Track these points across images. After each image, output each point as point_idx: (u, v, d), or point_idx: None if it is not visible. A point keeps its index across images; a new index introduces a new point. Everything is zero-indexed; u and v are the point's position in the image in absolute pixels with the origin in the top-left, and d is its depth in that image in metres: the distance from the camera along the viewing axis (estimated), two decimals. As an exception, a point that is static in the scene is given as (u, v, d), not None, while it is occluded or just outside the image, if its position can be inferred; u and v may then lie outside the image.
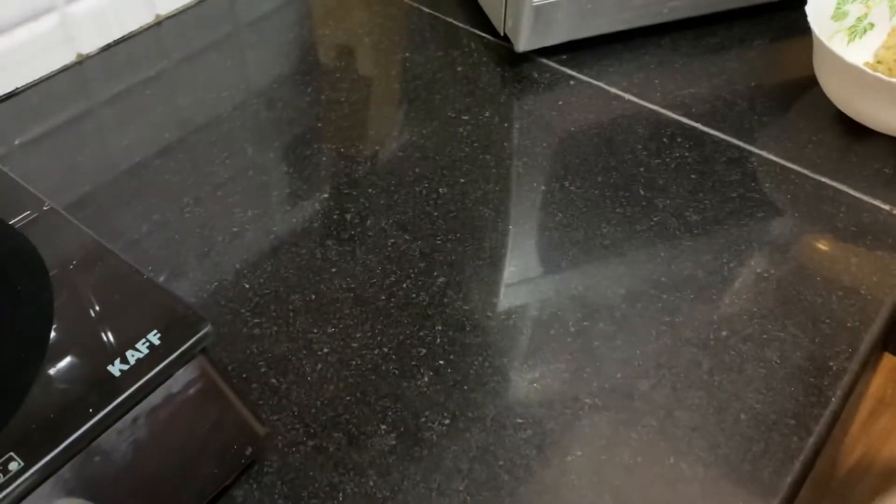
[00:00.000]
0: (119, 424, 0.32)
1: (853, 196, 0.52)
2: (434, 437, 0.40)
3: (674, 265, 0.48)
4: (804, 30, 0.56)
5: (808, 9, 0.55)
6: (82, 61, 0.64)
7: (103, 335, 0.33)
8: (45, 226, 0.38)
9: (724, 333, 0.45)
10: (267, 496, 0.38)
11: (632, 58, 0.63)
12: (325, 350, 0.44)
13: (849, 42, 0.60)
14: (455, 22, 0.68)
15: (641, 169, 0.54)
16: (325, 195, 0.53)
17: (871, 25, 0.60)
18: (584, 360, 0.43)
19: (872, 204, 0.52)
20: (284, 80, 0.62)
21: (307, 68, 0.63)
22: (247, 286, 0.47)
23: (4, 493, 0.28)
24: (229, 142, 0.57)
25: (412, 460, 0.40)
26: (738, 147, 0.56)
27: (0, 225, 0.38)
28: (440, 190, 0.53)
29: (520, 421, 0.41)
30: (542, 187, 0.53)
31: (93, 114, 0.59)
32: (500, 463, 0.39)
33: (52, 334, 0.33)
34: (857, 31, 0.60)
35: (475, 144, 0.56)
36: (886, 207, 0.51)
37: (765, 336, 0.45)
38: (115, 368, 0.32)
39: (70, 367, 0.32)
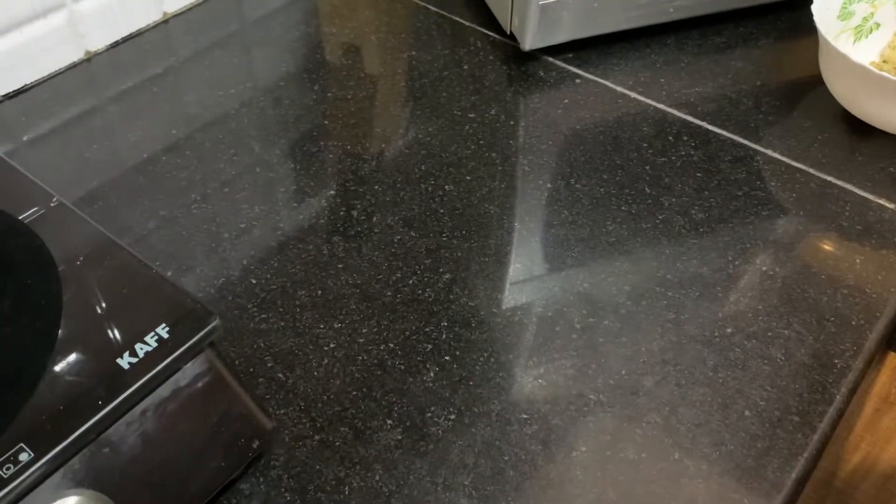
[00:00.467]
0: (128, 417, 0.32)
1: (858, 195, 0.52)
2: (440, 431, 0.41)
3: (679, 263, 0.48)
4: (810, 29, 0.56)
5: (814, 8, 0.55)
6: (90, 58, 0.64)
7: (112, 329, 0.34)
8: (53, 221, 0.38)
9: (728, 331, 0.45)
10: (273, 489, 0.39)
11: (637, 56, 0.63)
12: (332, 345, 0.44)
13: (855, 41, 0.60)
14: (461, 20, 0.68)
15: (647, 167, 0.54)
16: (332, 192, 0.53)
17: (877, 25, 0.60)
18: (588, 357, 0.44)
19: (877, 203, 0.52)
20: (291, 77, 0.62)
21: (314, 66, 0.64)
22: (254, 282, 0.48)
23: (15, 483, 0.29)
24: (236, 139, 0.57)
25: (418, 455, 0.40)
26: (743, 146, 0.56)
27: (9, 220, 0.38)
28: (446, 187, 0.53)
29: (525, 416, 0.41)
30: (548, 185, 0.53)
31: (101, 110, 0.60)
32: (506, 458, 0.40)
33: (62, 328, 0.34)
34: (863, 30, 0.60)
35: (481, 142, 0.56)
36: (891, 206, 0.52)
37: (770, 333, 0.45)
38: (124, 361, 0.32)
39: (79, 360, 0.33)
